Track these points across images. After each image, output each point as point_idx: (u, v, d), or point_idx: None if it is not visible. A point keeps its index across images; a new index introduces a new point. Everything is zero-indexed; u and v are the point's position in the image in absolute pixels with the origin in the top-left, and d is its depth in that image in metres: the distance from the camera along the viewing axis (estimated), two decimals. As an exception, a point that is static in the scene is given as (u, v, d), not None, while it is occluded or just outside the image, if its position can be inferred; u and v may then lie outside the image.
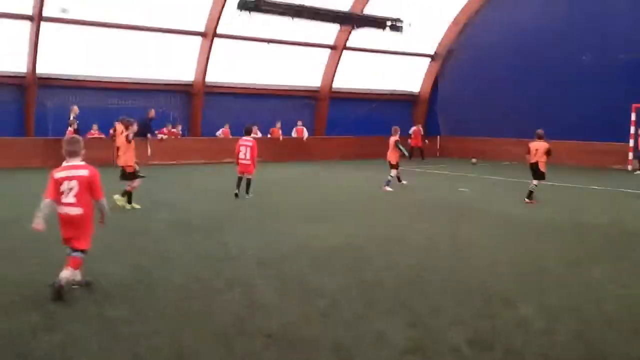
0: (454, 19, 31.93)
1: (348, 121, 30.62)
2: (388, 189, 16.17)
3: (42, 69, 23.05)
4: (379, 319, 5.72)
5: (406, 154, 17.08)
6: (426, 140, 30.73)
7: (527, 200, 14.26)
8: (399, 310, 5.97)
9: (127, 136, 12.56)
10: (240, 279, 7.10)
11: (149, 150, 21.27)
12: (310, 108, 30.76)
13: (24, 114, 23.52)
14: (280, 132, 27.90)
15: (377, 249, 8.82)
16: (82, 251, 6.42)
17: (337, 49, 29.77)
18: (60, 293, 6.05)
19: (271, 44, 28.21)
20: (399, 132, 17.19)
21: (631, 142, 24.64)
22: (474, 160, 27.08)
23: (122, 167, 12.56)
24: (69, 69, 23.85)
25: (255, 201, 13.80)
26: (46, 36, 22.69)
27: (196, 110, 27.13)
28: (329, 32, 29.22)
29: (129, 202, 12.43)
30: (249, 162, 14.51)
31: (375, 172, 22.25)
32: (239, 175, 14.57)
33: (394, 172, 16.71)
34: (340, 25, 28.77)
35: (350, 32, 29.26)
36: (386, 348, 5.00)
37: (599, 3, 26.36)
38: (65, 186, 6.32)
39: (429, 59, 33.22)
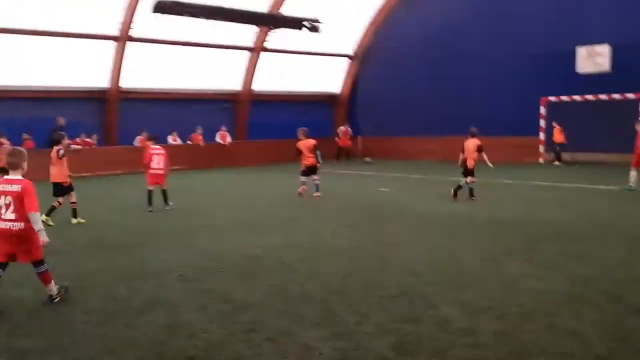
0: (371, 19, 32.43)
1: (270, 124, 30.49)
2: (318, 194, 15.75)
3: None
4: (305, 331, 5.67)
5: (320, 161, 16.19)
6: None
7: (473, 198, 14.57)
8: (325, 321, 5.94)
9: (58, 151, 12.11)
10: (160, 297, 6.87)
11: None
12: (232, 112, 30.44)
13: None
14: (201, 137, 27.45)
15: (301, 258, 8.76)
16: (40, 261, 6.53)
17: (256, 50, 29.60)
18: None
19: (189, 47, 27.73)
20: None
21: (541, 135, 25.75)
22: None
23: (58, 182, 12.12)
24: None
25: (175, 213, 13.46)
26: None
27: (111, 118, 26.25)
28: (247, 34, 29.02)
29: (75, 216, 12.15)
30: (162, 172, 13.89)
31: (297, 176, 22.26)
32: (151, 188, 13.81)
33: (317, 176, 16.09)
34: (257, 27, 28.62)
35: (267, 34, 29.16)
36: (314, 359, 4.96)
37: (507, -2, 27.36)
38: (1, 201, 6.27)
39: (347, 60, 33.57)
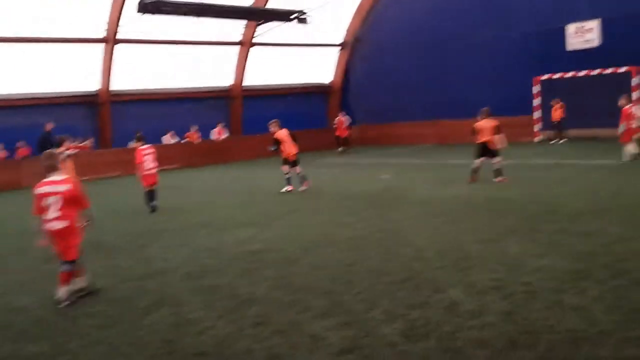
0: (358, 7, 32.34)
1: (264, 118, 30.38)
2: (287, 189, 15.23)
3: None
4: (313, 321, 5.68)
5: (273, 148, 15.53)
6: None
7: (498, 179, 14.33)
8: (332, 311, 5.95)
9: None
10: (166, 296, 6.88)
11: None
12: (225, 108, 30.38)
13: None
14: (197, 134, 27.42)
15: (305, 250, 8.76)
16: (72, 262, 6.73)
17: (245, 45, 29.53)
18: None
19: (177, 46, 27.65)
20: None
21: (535, 114, 25.75)
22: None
23: None
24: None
25: (175, 212, 13.45)
26: None
27: (104, 121, 26.20)
28: (235, 29, 28.93)
29: None
30: (155, 171, 13.73)
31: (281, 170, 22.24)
32: (147, 189, 13.58)
33: (299, 169, 15.58)
34: (246, 21, 28.53)
35: (255, 28, 29.07)
36: (322, 351, 4.97)
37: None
38: (47, 201, 6.57)
39: (338, 49, 33.50)
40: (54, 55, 24.40)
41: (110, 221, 12.77)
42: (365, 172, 19.27)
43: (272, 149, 15.57)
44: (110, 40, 25.02)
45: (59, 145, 12.30)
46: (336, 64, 33.94)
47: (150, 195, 13.58)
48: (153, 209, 13.39)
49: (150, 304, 6.58)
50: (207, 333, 5.57)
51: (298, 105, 31.91)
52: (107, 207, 14.51)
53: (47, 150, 7.47)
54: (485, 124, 14.73)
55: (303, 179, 15.51)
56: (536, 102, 25.70)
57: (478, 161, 14.65)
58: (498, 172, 14.48)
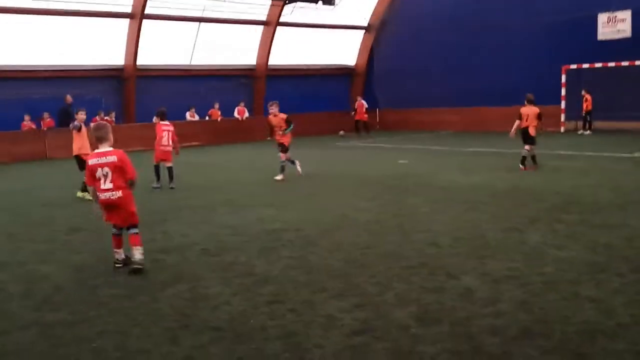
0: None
1: (287, 98, 30.39)
2: (279, 177, 14.24)
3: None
4: (327, 302, 5.71)
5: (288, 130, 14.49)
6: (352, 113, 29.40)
7: (521, 166, 14.39)
8: (347, 292, 5.97)
9: (74, 125, 12.39)
10: (184, 271, 6.96)
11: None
12: (248, 87, 30.41)
13: None
14: (219, 112, 27.50)
15: (322, 231, 8.79)
16: (135, 225, 7.02)
17: (271, 24, 29.45)
18: (139, 271, 6.83)
19: (204, 23, 27.67)
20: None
21: (562, 104, 25.42)
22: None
23: (77, 155, 12.41)
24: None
25: (195, 189, 13.55)
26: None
27: (129, 96, 26.40)
28: (261, 8, 28.84)
29: (83, 190, 12.25)
30: (170, 149, 13.83)
31: (317, 150, 22.29)
32: (157, 163, 13.76)
33: (284, 157, 14.46)
34: (272, 0, 28.43)
35: (282, 7, 28.95)
36: (335, 331, 5.00)
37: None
38: (99, 173, 6.79)
39: (362, 31, 33.27)
40: (81, 28, 24.61)
41: (134, 195, 12.90)
42: (386, 156, 19.21)
43: (286, 131, 14.44)
44: (137, 15, 25.11)
45: (72, 116, 12.64)
46: (361, 46, 33.72)
47: (169, 173, 13.73)
48: (171, 182, 13.62)
49: (168, 278, 6.66)
50: (222, 309, 5.63)
51: (321, 86, 31.83)
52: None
53: (97, 122, 7.70)
54: (528, 110, 14.63)
55: (281, 169, 14.35)
56: (563, 91, 25.34)
57: (526, 148, 14.54)
58: (527, 159, 14.47)
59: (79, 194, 12.41)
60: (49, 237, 9.02)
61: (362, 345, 4.70)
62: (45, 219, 10.54)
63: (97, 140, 6.96)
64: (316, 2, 28.51)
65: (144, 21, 25.45)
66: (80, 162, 12.24)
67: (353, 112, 28.91)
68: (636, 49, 23.00)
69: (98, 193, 6.89)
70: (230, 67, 29.60)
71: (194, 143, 25.42)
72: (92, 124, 7.20)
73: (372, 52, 33.61)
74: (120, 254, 7.14)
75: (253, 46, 29.94)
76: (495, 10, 27.66)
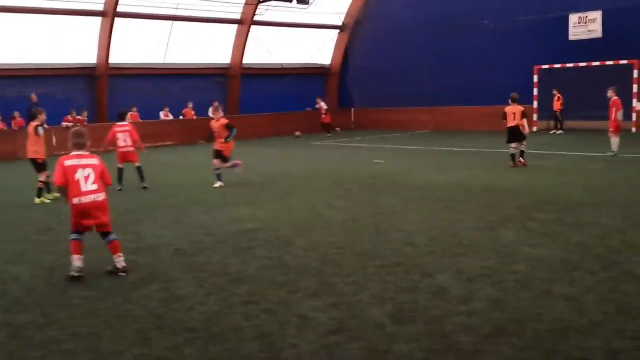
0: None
1: (261, 98, 30.32)
2: (218, 184, 13.24)
3: None
4: (302, 302, 5.69)
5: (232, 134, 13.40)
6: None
7: (521, 160, 14.94)
8: (322, 292, 5.95)
9: (35, 127, 12.06)
10: (157, 271, 6.87)
11: (54, 140, 20.29)
12: (223, 86, 30.23)
13: None
14: (192, 112, 27.29)
15: (298, 230, 8.77)
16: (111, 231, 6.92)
17: (245, 23, 29.31)
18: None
19: (177, 22, 27.43)
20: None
21: (535, 104, 25.70)
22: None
23: (33, 159, 12.14)
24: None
25: (168, 189, 13.42)
26: None
27: (101, 94, 26.05)
28: (235, 6, 28.69)
29: (39, 195, 11.89)
30: (132, 149, 13.46)
31: (292, 149, 22.27)
32: (120, 165, 13.45)
33: (217, 163, 13.43)
34: (247, -1, 28.34)
35: (256, 6, 28.84)
36: (310, 331, 4.97)
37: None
38: (80, 174, 6.66)
39: (337, 31, 33.28)
40: (53, 26, 24.22)
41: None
42: (361, 155, 19.24)
43: (228, 139, 13.29)
44: (110, 13, 24.80)
45: (34, 117, 12.29)
46: (335, 46, 33.73)
47: (139, 173, 13.48)
48: (142, 182, 13.40)
49: (140, 279, 6.58)
50: (196, 309, 5.57)
51: (296, 86, 31.76)
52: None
53: (78, 128, 7.65)
54: (513, 109, 15.03)
55: (218, 177, 13.41)
56: (535, 91, 25.64)
57: (513, 145, 15.00)
58: (513, 157, 14.98)
59: (37, 200, 11.91)
60: (20, 238, 8.86)
61: (337, 345, 4.68)
62: (16, 220, 10.34)
63: (75, 145, 6.88)
64: (290, 1, 28.42)
65: (116, 19, 25.14)
66: (38, 165, 11.99)
67: (323, 114, 28.80)
68: (607, 49, 23.37)
69: (77, 196, 6.63)
70: (204, 66, 29.39)
71: (167, 142, 25.20)
72: (71, 129, 6.99)
73: (347, 51, 33.64)
74: (80, 261, 6.65)
75: (227, 45, 29.76)
76: (468, 10, 27.88)
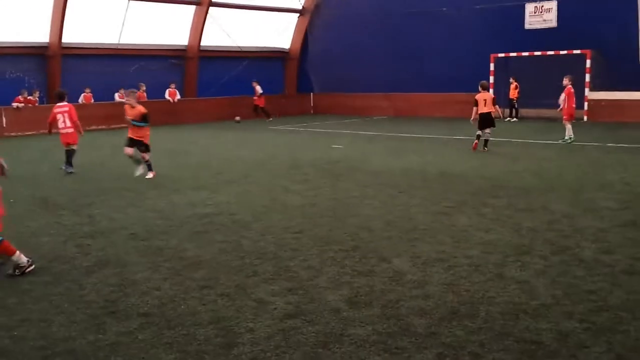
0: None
1: (220, 81, 29.95)
2: (150, 175, 12.11)
3: None
4: (259, 286, 5.68)
5: (145, 124, 12.18)
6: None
7: (485, 148, 15.33)
8: (279, 276, 5.96)
9: None
10: (111, 256, 6.76)
11: (4, 121, 19.71)
12: (180, 69, 29.74)
13: None
14: (144, 94, 26.78)
15: (255, 215, 8.73)
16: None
17: (203, 4, 28.83)
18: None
19: (132, 1, 26.80)
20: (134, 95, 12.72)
21: (491, 92, 26.04)
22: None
23: None
24: None
25: (123, 172, 13.18)
26: None
27: (54, 75, 25.31)
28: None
29: None
30: (71, 130, 12.94)
31: (250, 133, 22.13)
32: (66, 148, 12.92)
33: (147, 155, 12.27)
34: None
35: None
36: (267, 315, 4.98)
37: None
38: None
39: (297, 15, 33.07)
40: (3, 3, 23.33)
41: (55, 178, 12.45)
42: (319, 141, 19.24)
43: (139, 123, 12.14)
44: (63, -10, 24.07)
45: None
46: (295, 30, 33.53)
47: (67, 156, 12.92)
48: (68, 172, 12.70)
49: (94, 264, 6.46)
50: (151, 294, 5.51)
51: (255, 69, 31.46)
52: (52, 163, 14.12)
53: None
54: (484, 95, 15.45)
55: (149, 167, 12.28)
56: (491, 79, 26.02)
57: (487, 131, 15.46)
58: (486, 142, 15.46)
59: None
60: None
61: (294, 329, 4.70)
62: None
63: None
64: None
65: (70, -3, 24.42)
66: None
67: (255, 97, 28.40)
68: (562, 39, 23.85)
69: None
70: (161, 48, 28.85)
71: (122, 125, 24.73)
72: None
73: (306, 35, 33.48)
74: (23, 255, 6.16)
75: (185, 27, 29.26)
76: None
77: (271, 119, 27.75)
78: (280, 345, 4.43)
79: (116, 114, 24.62)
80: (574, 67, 21.88)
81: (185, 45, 29.53)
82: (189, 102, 28.63)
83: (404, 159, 14.32)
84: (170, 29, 28.58)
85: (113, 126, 23.42)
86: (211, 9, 29.10)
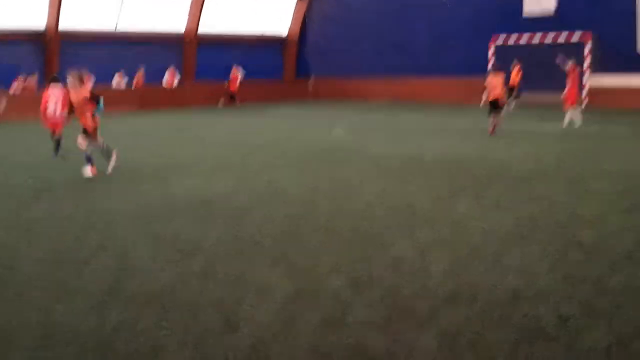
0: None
1: (218, 66, 29.83)
2: (88, 172, 10.74)
3: None
4: (259, 273, 5.69)
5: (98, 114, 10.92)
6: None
7: (495, 132, 15.66)
8: (279, 263, 5.96)
9: None
10: (110, 243, 6.76)
11: (2, 106, 19.64)
12: (178, 53, 29.63)
13: None
14: (142, 78, 26.76)
15: (254, 202, 8.73)
16: None
17: (202, -10, 28.70)
18: None
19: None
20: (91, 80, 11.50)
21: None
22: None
23: None
24: None
25: (122, 158, 13.13)
26: None
27: (51, 60, 25.21)
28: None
29: None
30: (59, 119, 12.51)
31: (248, 118, 22.09)
32: (53, 135, 12.57)
33: (84, 144, 10.81)
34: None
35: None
36: (267, 300, 4.99)
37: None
38: None
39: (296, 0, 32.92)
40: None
41: (50, 165, 12.41)
42: (318, 126, 19.21)
43: (98, 111, 10.90)
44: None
45: None
46: (294, 15, 33.36)
47: (56, 143, 12.62)
48: (61, 157, 12.12)
49: (93, 250, 6.46)
50: (151, 281, 5.52)
51: (254, 54, 31.38)
52: (48, 149, 14.06)
53: None
54: (495, 81, 15.52)
55: (108, 153, 11.25)
56: (490, 65, 25.92)
57: (492, 117, 15.74)
58: (495, 125, 15.76)
59: None
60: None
61: (294, 315, 4.71)
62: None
63: None
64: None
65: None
66: None
67: (228, 81, 28.20)
68: (560, 24, 23.77)
69: None
70: (160, 33, 28.72)
71: (122, 108, 24.75)
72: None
73: (305, 20, 33.32)
74: None
75: (182, 12, 29.10)
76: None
77: (225, 105, 27.36)
78: (281, 329, 4.45)
79: (117, 98, 24.75)
80: (573, 52, 21.80)
81: (183, 31, 29.39)
82: (187, 86, 28.55)
83: (404, 145, 14.30)
84: (168, 14, 28.44)
85: (111, 110, 23.38)
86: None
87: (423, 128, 18.20)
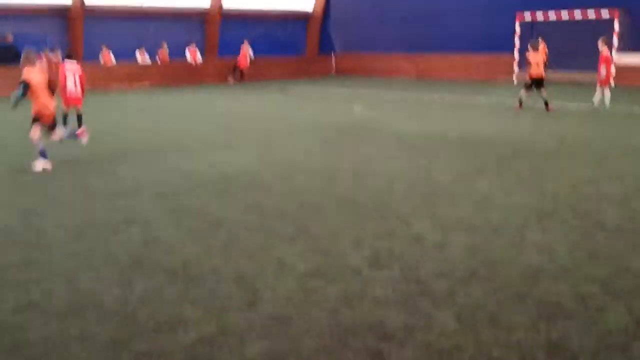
0: None
1: (240, 42, 29.76)
2: (40, 166, 9.23)
3: None
4: (280, 247, 5.76)
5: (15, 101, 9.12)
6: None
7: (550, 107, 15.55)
8: (300, 237, 6.03)
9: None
10: (136, 214, 6.88)
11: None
12: (201, 29, 29.61)
13: None
14: (166, 54, 26.85)
15: (277, 176, 8.80)
16: None
17: (225, -35, 28.56)
18: None
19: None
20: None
21: (516, 54, 25.60)
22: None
23: None
24: None
25: (146, 133, 13.29)
26: None
27: (76, 35, 25.38)
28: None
29: None
30: (79, 94, 12.50)
31: (270, 94, 22.09)
32: (67, 110, 12.52)
33: (61, 133, 9.98)
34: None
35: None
36: (288, 274, 5.06)
37: None
38: None
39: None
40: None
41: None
42: (341, 103, 19.16)
43: (18, 97, 9.09)
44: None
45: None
46: (318, -9, 33.09)
47: (78, 119, 12.60)
48: (72, 136, 10.51)
49: (119, 222, 6.59)
50: (175, 252, 5.62)
51: (277, 31, 31.24)
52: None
53: None
54: (537, 57, 15.55)
55: (72, 136, 10.50)
56: (517, 41, 25.53)
57: (529, 92, 15.77)
58: (547, 103, 15.61)
59: None
60: (-6, 180, 8.76)
61: (314, 288, 4.78)
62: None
63: None
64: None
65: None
66: None
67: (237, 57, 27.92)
68: (588, 2, 23.24)
69: None
70: (184, 9, 28.71)
71: (145, 82, 24.95)
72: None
73: (329, -4, 33.05)
74: None
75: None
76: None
77: (236, 82, 27.36)
78: (301, 303, 4.52)
79: (137, 74, 24.91)
80: (601, 29, 21.31)
81: (207, 8, 29.33)
82: (210, 62, 28.56)
83: (426, 122, 14.23)
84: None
85: (134, 85, 23.66)
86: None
87: (447, 105, 18.06)
